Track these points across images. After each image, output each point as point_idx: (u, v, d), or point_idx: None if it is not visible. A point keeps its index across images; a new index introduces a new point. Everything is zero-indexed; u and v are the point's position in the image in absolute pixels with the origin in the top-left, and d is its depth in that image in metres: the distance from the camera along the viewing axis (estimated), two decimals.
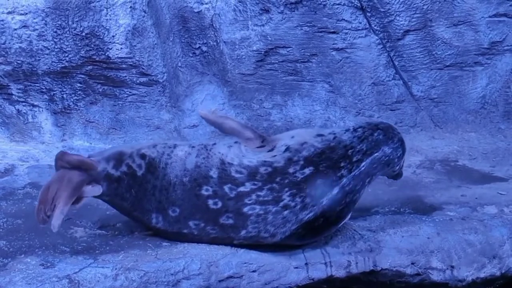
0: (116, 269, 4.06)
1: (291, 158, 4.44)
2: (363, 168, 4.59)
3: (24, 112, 6.86)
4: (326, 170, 4.45)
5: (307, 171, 4.41)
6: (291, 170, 4.40)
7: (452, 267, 4.80)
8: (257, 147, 4.58)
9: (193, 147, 4.61)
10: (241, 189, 4.37)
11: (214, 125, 4.91)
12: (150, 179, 4.52)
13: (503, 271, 4.90)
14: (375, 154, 4.66)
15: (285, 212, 4.35)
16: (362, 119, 7.36)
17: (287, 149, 4.49)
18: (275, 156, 4.47)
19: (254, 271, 4.31)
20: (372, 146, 4.66)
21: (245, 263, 4.32)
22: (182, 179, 4.45)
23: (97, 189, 4.47)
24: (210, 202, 4.38)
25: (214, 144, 4.64)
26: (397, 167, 4.94)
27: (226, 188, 4.38)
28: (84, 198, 4.47)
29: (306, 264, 4.45)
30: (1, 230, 4.66)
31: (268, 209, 4.34)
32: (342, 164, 4.51)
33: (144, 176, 4.53)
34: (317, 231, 4.48)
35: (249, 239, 4.40)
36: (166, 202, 4.45)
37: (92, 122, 6.96)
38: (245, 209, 4.35)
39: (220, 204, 4.37)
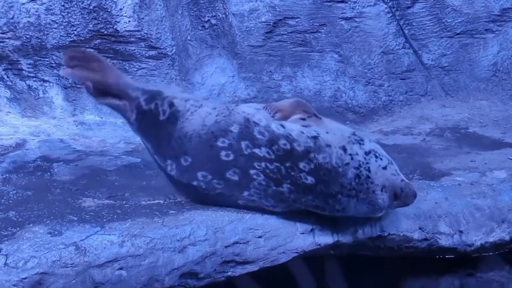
0: (122, 236, 4.08)
1: (309, 151, 4.29)
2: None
3: (35, 88, 6.89)
4: (320, 194, 4.29)
5: (309, 179, 4.27)
6: (301, 166, 4.28)
7: (461, 231, 4.78)
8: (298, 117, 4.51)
9: (215, 108, 4.66)
10: (256, 150, 4.36)
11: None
12: (168, 126, 4.62)
13: None
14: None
15: (283, 197, 4.34)
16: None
17: (315, 137, 4.33)
18: (302, 133, 4.34)
19: (260, 237, 4.31)
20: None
21: (251, 228, 4.32)
22: (199, 132, 4.51)
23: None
24: (223, 153, 4.41)
25: (237, 105, 4.70)
26: None
27: (243, 144, 4.38)
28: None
29: (312, 230, 4.44)
30: (11, 201, 4.69)
31: (270, 185, 4.34)
32: (330, 200, 4.30)
33: (163, 122, 4.65)
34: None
35: (252, 202, 4.41)
36: (179, 151, 4.53)
37: None
38: (252, 172, 4.36)
39: (232, 156, 4.39)
